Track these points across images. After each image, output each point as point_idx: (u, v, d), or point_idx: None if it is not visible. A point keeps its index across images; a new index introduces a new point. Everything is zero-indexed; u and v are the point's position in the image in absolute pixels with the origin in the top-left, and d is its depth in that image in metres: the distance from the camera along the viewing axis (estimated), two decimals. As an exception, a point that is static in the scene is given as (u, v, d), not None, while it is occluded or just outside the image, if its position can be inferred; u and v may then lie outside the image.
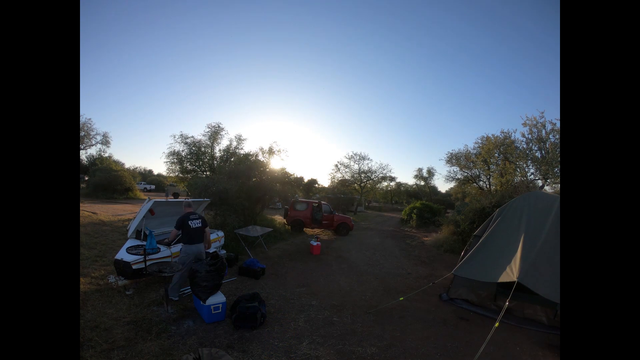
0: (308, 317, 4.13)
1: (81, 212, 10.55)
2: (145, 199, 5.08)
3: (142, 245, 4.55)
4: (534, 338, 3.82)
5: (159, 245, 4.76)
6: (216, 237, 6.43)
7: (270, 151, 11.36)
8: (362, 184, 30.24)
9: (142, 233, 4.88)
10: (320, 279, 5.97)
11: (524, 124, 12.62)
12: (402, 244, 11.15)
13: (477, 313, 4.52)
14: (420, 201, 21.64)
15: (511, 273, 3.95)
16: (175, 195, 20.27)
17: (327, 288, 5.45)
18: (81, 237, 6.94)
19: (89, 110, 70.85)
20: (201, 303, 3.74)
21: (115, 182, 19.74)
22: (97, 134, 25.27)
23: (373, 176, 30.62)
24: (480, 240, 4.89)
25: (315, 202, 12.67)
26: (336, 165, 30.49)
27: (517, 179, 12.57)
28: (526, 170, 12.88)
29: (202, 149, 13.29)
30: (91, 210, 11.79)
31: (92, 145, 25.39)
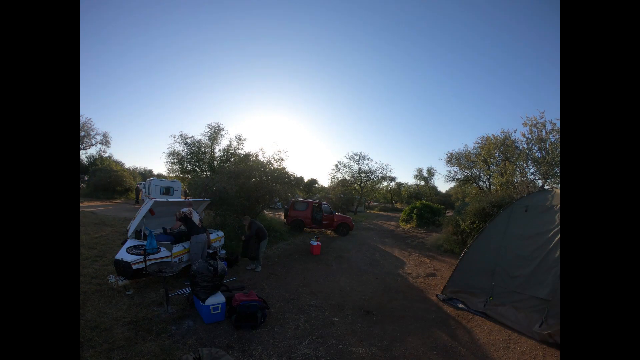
0: (308, 317, 4.12)
1: (81, 212, 10.55)
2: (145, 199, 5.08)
3: (142, 245, 4.55)
4: (534, 338, 3.81)
5: (159, 245, 4.76)
6: (216, 237, 6.43)
7: (270, 151, 11.37)
8: (362, 184, 30.18)
9: (142, 233, 4.88)
10: (320, 279, 5.97)
11: (524, 124, 12.64)
12: (402, 244, 11.15)
13: (476, 313, 4.51)
14: (421, 201, 21.63)
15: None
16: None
17: (327, 288, 5.45)
18: (81, 237, 6.94)
19: (89, 110, 70.76)
20: (201, 303, 3.74)
21: (115, 182, 19.76)
22: (97, 134, 25.30)
23: (373, 176, 30.53)
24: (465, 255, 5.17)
25: (315, 202, 12.67)
26: (336, 165, 30.41)
27: (517, 179, 12.57)
28: (526, 170, 12.89)
29: (202, 149, 13.29)
30: (91, 210, 11.80)
31: (92, 145, 25.42)
